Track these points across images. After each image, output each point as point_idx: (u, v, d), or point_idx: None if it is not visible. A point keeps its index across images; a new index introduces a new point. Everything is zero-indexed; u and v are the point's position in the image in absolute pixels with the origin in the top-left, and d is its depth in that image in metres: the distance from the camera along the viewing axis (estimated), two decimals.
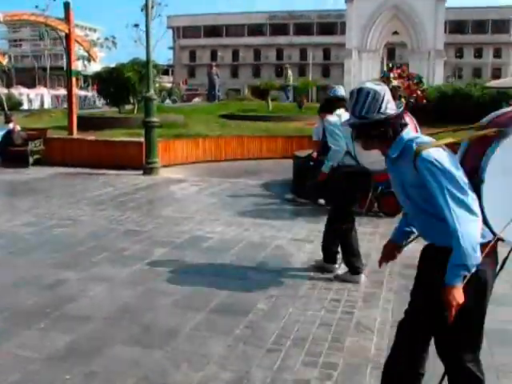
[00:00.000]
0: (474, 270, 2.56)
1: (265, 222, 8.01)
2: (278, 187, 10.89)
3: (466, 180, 2.53)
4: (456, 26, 69.77)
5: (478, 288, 2.74)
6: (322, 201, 9.09)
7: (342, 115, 5.94)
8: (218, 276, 5.68)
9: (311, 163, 9.37)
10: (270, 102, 24.06)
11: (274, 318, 4.61)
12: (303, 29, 76.92)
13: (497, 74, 67.60)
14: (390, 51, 66.99)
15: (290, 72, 29.75)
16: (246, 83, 58.58)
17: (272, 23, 78.00)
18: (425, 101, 9.11)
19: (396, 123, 2.67)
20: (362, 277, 5.63)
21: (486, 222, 2.60)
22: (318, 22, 76.90)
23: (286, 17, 77.62)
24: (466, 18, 71.50)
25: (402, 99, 8.82)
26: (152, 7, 12.72)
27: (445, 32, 44.28)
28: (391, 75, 8.77)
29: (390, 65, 9.52)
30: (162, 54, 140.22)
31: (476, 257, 2.51)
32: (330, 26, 74.35)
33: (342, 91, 6.82)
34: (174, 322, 4.51)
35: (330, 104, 6.53)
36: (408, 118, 4.23)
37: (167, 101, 31.05)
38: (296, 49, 77.42)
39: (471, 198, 2.51)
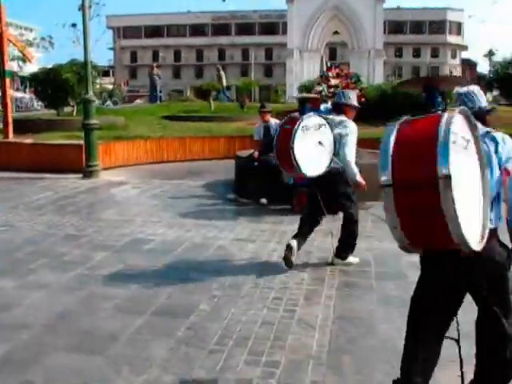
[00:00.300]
0: None
1: (207, 223, 7.99)
2: (221, 187, 10.88)
3: None
4: (395, 27, 71.39)
5: None
6: (263, 200, 9.15)
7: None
8: (159, 278, 5.63)
9: (253, 163, 9.42)
10: (212, 102, 24.02)
11: (216, 319, 4.61)
12: (245, 29, 77.11)
13: (435, 72, 69.59)
14: (332, 51, 67.97)
15: (222, 72, 29.69)
16: (188, 84, 58.28)
17: (214, 23, 77.88)
18: (363, 99, 9.26)
19: None
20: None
21: None
22: (259, 22, 77.24)
23: (227, 17, 77.63)
24: (404, 19, 73.25)
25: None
26: (90, 7, 12.50)
27: (384, 32, 45.21)
28: (330, 74, 8.89)
29: (329, 64, 9.65)
30: (102, 55, 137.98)
31: None
32: (271, 26, 74.79)
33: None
34: (115, 326, 4.44)
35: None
36: None
37: (108, 102, 30.51)
38: (238, 49, 77.54)
39: None
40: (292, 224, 7.90)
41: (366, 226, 8.01)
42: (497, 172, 2.86)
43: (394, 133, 2.54)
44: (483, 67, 75.65)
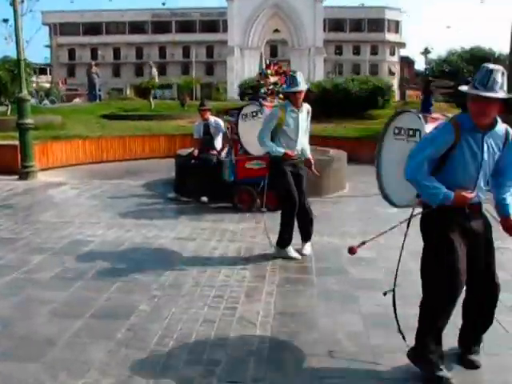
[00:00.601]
0: None
1: (147, 223, 7.90)
2: (161, 187, 10.79)
3: None
4: (335, 25, 72.41)
5: None
6: (204, 198, 9.12)
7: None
8: (98, 280, 5.53)
9: (192, 161, 9.38)
10: (152, 100, 23.77)
11: (156, 319, 4.56)
12: (186, 26, 76.56)
13: (374, 70, 70.96)
14: (273, 48, 68.37)
15: (154, 70, 29.33)
16: (128, 82, 57.44)
17: (154, 21, 76.98)
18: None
19: None
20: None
21: None
22: (200, 19, 76.85)
23: (167, 14, 76.85)
24: (344, 17, 74.35)
25: (280, 95, 8.99)
26: (22, 1, 12.10)
27: (324, 30, 45.84)
28: (269, 72, 8.93)
29: (268, 62, 9.69)
30: (39, 53, 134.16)
31: None
32: (212, 24, 74.53)
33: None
34: (52, 330, 4.32)
35: None
36: None
37: (45, 101, 29.75)
38: (179, 47, 76.92)
39: None
40: (233, 222, 7.94)
41: None
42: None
43: None
44: (420, 65, 77.68)
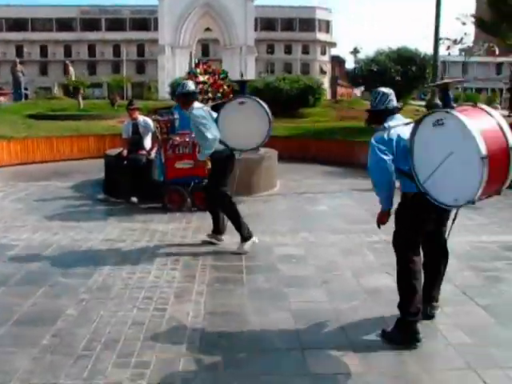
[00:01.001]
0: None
1: (75, 225, 7.72)
2: (90, 188, 10.57)
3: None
4: (267, 24, 72.83)
5: None
6: (134, 199, 9.00)
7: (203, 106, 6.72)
8: (23, 285, 5.36)
9: (122, 162, 9.23)
10: (81, 100, 23.22)
11: (84, 323, 4.47)
12: (116, 24, 75.10)
13: (306, 69, 71.88)
14: (205, 47, 68.12)
15: (71, 69, 28.55)
16: (56, 81, 55.76)
17: (82, 18, 75.17)
18: (231, 95, 9.37)
19: None
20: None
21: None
22: (131, 17, 75.62)
23: (96, 12, 75.20)
24: (275, 16, 74.87)
25: (209, 94, 9.01)
26: None
27: (256, 29, 46.01)
28: (198, 71, 8.89)
29: (197, 60, 9.66)
30: None
31: None
32: (143, 22, 73.48)
33: (192, 85, 6.93)
34: None
35: (184, 98, 6.72)
36: None
37: None
38: (109, 45, 75.45)
39: None
40: (162, 222, 7.88)
41: None
42: None
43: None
44: (351, 64, 79.18)
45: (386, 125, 4.33)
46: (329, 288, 5.37)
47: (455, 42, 38.38)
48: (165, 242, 6.96)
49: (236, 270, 5.86)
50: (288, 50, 77.32)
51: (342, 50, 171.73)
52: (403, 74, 19.42)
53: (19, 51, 70.69)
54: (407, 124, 4.31)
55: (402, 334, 4.16)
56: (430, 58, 17.17)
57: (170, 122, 8.65)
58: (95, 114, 20.83)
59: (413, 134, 4.06)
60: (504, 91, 49.46)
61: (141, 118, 9.56)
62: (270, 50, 75.97)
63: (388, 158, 4.18)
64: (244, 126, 6.49)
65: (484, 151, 3.54)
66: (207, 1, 35.33)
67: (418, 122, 4.07)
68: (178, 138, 8.57)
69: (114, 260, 6.18)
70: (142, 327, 4.39)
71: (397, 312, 4.25)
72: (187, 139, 8.58)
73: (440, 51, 12.70)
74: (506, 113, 20.55)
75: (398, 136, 4.25)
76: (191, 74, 9.23)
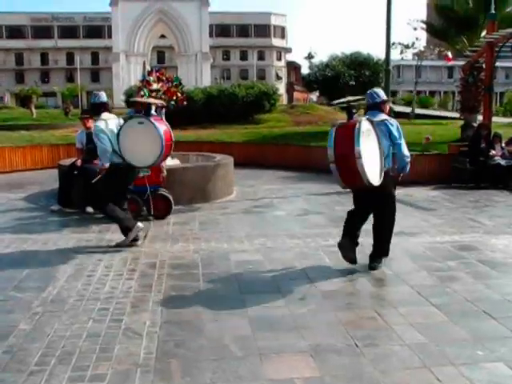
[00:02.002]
0: None
1: (28, 237, 7.56)
2: (44, 199, 10.39)
3: None
4: (222, 30, 72.99)
5: None
6: (89, 209, 8.88)
7: (108, 119, 6.99)
8: None
9: (75, 171, 9.10)
10: (33, 109, 22.85)
11: (37, 338, 4.37)
12: (69, 32, 74.12)
13: (262, 74, 72.26)
14: (160, 54, 67.84)
15: None
16: (7, 90, 54.71)
17: (34, 25, 73.87)
18: (185, 102, 9.35)
19: None
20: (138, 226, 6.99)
21: None
22: (84, 24, 74.76)
23: (48, 18, 74.01)
24: (230, 23, 75.06)
25: (163, 102, 8.94)
26: None
27: (211, 36, 46.13)
28: (151, 79, 8.84)
29: (150, 68, 9.58)
30: None
31: None
32: (97, 30, 72.74)
33: (104, 97, 7.25)
34: None
35: (95, 109, 7.18)
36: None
37: None
38: (62, 53, 74.43)
39: None
40: (118, 231, 7.76)
41: (194, 229, 8.12)
42: (387, 142, 5.89)
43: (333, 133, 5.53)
44: (306, 69, 79.94)
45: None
46: (285, 292, 5.40)
47: (407, 46, 39.08)
48: (121, 251, 6.88)
49: (193, 278, 5.83)
50: (244, 56, 77.62)
51: (298, 56, 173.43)
52: (357, 78, 19.71)
53: None
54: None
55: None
56: (383, 62, 17.47)
57: None
58: (48, 123, 20.55)
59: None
60: (456, 94, 50.67)
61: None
62: (226, 56, 76.18)
63: None
64: (140, 144, 6.94)
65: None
66: (161, 8, 35.28)
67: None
68: None
69: (68, 272, 6.07)
70: (97, 339, 4.31)
71: (356, 316, 4.29)
72: None
73: (393, 55, 12.98)
74: (458, 115, 21.04)
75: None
76: (144, 82, 9.16)
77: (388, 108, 6.33)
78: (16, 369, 3.87)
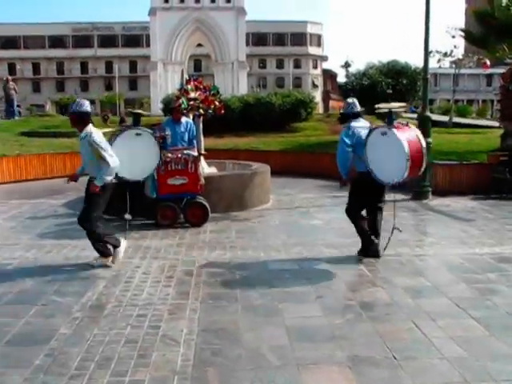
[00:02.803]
0: None
1: (68, 242, 7.71)
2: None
3: None
4: (259, 39, 73.25)
5: None
6: (128, 216, 8.96)
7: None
8: (16, 304, 5.33)
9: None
10: None
11: (77, 342, 4.44)
12: (108, 41, 75.35)
13: (298, 83, 72.20)
14: (197, 63, 68.43)
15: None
16: (49, 98, 55.87)
17: (75, 35, 75.38)
18: (223, 111, 9.40)
19: None
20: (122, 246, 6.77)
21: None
22: (122, 34, 75.90)
23: (89, 28, 75.47)
24: (267, 31, 75.28)
25: (201, 110, 9.02)
26: None
27: (248, 44, 46.33)
28: (189, 87, 8.92)
29: (188, 77, 9.65)
30: None
31: None
32: (135, 39, 73.74)
33: (88, 106, 6.67)
34: None
35: (83, 118, 6.56)
36: None
37: None
38: (101, 61, 75.67)
39: None
40: (156, 238, 7.87)
41: (231, 237, 8.14)
42: None
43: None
44: (342, 77, 79.63)
45: (350, 124, 6.80)
46: (323, 303, 5.37)
47: (445, 54, 38.58)
48: (158, 258, 6.95)
49: (229, 286, 5.84)
50: (280, 65, 77.66)
51: (334, 64, 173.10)
52: (394, 87, 19.56)
53: (11, 68, 70.73)
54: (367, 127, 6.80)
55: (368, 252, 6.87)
56: (421, 70, 17.28)
57: (162, 138, 8.66)
58: None
59: (367, 136, 6.59)
60: (495, 102, 49.74)
61: None
62: (262, 64, 76.34)
63: (349, 148, 6.69)
64: (136, 156, 7.17)
65: (408, 155, 6.22)
66: (198, 17, 35.61)
67: (371, 130, 6.60)
68: (170, 155, 8.58)
69: (107, 278, 6.16)
70: (135, 345, 4.36)
71: (394, 328, 4.24)
72: (179, 155, 8.60)
73: (430, 64, 12.80)
74: (497, 123, 20.68)
75: (358, 132, 6.71)
76: (182, 90, 9.24)
77: None
78: (57, 372, 3.94)
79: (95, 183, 6.39)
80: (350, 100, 7.04)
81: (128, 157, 6.96)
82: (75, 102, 6.67)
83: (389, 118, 6.52)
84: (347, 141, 6.66)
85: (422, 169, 6.63)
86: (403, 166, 6.24)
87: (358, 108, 6.90)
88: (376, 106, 7.46)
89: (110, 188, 6.57)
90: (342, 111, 7.11)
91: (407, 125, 6.57)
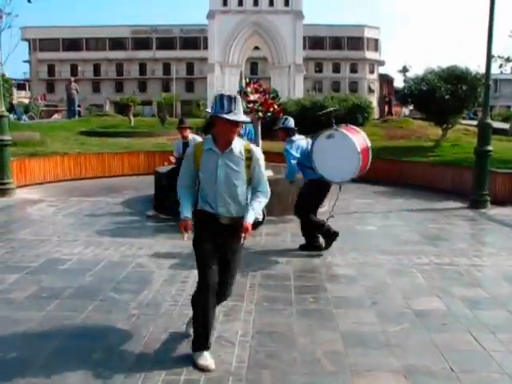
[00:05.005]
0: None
1: (125, 241, 7.86)
2: (140, 204, 10.75)
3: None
4: (315, 42, 73.03)
5: None
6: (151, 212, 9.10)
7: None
8: (75, 299, 5.47)
9: (173, 179, 9.33)
10: (131, 117, 23.71)
11: (134, 339, 4.52)
12: (166, 43, 76.59)
13: (354, 87, 71.55)
14: (253, 66, 68.73)
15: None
16: (108, 98, 57.07)
17: (134, 37, 76.95)
18: (281, 114, 9.40)
19: None
20: None
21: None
22: (180, 36, 76.98)
23: (148, 31, 76.89)
24: (324, 35, 74.96)
25: (260, 113, 9.06)
26: (0, 17, 12.07)
27: (304, 48, 46.22)
28: (248, 90, 8.96)
29: (247, 79, 9.70)
30: (17, 68, 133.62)
31: None
32: (193, 41, 74.67)
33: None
34: (28, 352, 4.25)
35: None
36: None
37: (24, 117, 29.56)
38: (159, 63, 76.95)
39: None
40: None
41: (286, 240, 8.15)
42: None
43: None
44: (399, 82, 78.53)
45: (292, 138, 7.48)
46: (378, 309, 5.31)
47: (508, 59, 37.51)
48: None
49: (285, 290, 5.84)
50: (336, 69, 77.14)
51: (391, 69, 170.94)
52: (453, 93, 19.12)
53: (73, 70, 72.76)
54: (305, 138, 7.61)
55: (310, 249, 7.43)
56: (481, 76, 16.86)
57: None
58: (145, 131, 21.21)
59: (312, 143, 7.24)
60: None
61: (191, 136, 9.66)
62: (318, 68, 76.00)
63: (295, 160, 7.31)
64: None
65: (359, 149, 6.90)
66: (256, 20, 35.72)
67: (316, 136, 7.23)
68: None
69: (163, 277, 6.26)
70: (190, 345, 4.40)
71: (451, 338, 4.15)
72: None
73: (492, 69, 12.43)
74: None
75: (301, 145, 7.43)
76: (242, 93, 9.29)
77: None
78: (115, 367, 4.02)
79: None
80: (285, 116, 8.02)
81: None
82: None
83: (330, 121, 7.31)
84: (294, 153, 7.33)
85: (369, 164, 7.33)
86: (355, 162, 6.97)
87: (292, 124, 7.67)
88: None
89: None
90: (281, 126, 7.67)
91: (347, 125, 7.41)
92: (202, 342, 4.16)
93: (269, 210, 8.95)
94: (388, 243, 8.07)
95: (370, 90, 73.53)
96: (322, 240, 7.59)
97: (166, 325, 4.83)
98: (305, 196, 7.51)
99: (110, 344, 4.42)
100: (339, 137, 7.04)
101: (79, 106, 29.50)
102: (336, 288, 5.94)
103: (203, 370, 4.00)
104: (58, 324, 4.81)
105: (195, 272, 6.33)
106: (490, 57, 12.02)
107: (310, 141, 7.45)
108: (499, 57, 38.21)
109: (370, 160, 7.37)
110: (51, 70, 76.89)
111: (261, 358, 4.22)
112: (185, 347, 4.36)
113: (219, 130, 4.05)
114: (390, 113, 33.01)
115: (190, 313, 5.03)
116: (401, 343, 4.49)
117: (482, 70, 13.59)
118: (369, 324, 4.94)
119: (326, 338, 4.61)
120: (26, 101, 45.78)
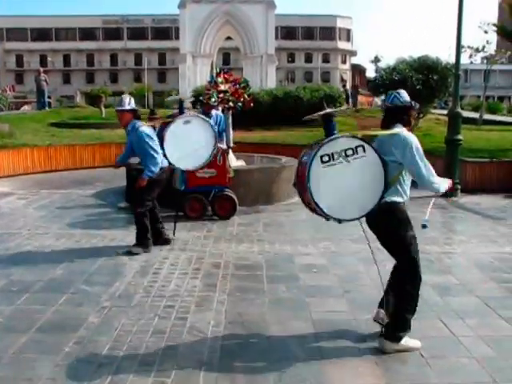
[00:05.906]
0: None
1: (97, 233, 7.79)
2: (112, 196, 10.66)
3: None
4: (287, 33, 73.04)
5: None
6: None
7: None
8: (46, 292, 5.41)
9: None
10: (103, 108, 23.47)
11: (105, 331, 4.49)
12: (138, 33, 75.86)
13: (326, 77, 71.81)
14: (225, 56, 68.47)
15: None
16: (78, 90, 56.34)
17: (105, 27, 76.02)
18: (252, 104, 9.38)
19: None
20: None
21: None
22: (152, 26, 76.34)
23: (119, 21, 76.02)
24: (296, 25, 75.01)
25: (230, 103, 9.02)
26: None
27: (277, 38, 46.15)
28: (219, 80, 8.93)
29: (218, 69, 9.65)
30: None
31: None
32: (164, 31, 74.14)
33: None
34: None
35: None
36: None
37: None
38: (131, 54, 76.22)
39: None
40: (184, 230, 7.91)
41: (258, 230, 8.15)
42: None
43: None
44: (371, 72, 78.95)
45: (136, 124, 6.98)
46: (350, 298, 5.35)
47: (477, 50, 37.89)
48: (186, 250, 6.99)
49: (257, 280, 5.85)
50: (308, 59, 77.33)
51: (363, 59, 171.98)
52: (424, 82, 19.29)
53: (43, 60, 71.60)
54: None
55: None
56: (452, 66, 17.04)
57: None
58: (117, 122, 20.97)
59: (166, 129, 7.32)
60: None
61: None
62: (291, 58, 76.11)
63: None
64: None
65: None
66: (228, 10, 35.53)
67: (171, 122, 7.38)
68: None
69: (135, 268, 6.22)
70: (163, 336, 4.40)
71: (422, 325, 4.20)
72: None
73: (462, 59, 12.55)
74: None
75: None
76: (212, 83, 9.25)
77: None
78: (86, 360, 4.00)
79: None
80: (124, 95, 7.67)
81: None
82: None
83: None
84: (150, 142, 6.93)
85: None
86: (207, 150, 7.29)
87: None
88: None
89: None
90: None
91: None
92: (410, 325, 4.24)
93: (241, 200, 8.98)
94: (360, 231, 8.11)
95: (342, 80, 73.80)
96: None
97: (137, 316, 4.81)
98: (146, 192, 7.19)
99: (82, 337, 4.38)
100: (193, 122, 7.28)
101: (49, 97, 29.03)
102: (308, 277, 5.96)
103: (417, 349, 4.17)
104: (28, 317, 4.75)
105: (167, 263, 6.37)
106: (459, 47, 12.13)
107: None
108: (469, 47, 38.59)
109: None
110: (19, 60, 75.56)
111: (233, 348, 4.23)
112: (156, 338, 4.35)
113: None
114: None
115: (162, 304, 5.06)
116: (373, 331, 4.52)
117: (453, 60, 13.71)
118: (340, 312, 4.98)
119: (297, 326, 4.63)
120: None
